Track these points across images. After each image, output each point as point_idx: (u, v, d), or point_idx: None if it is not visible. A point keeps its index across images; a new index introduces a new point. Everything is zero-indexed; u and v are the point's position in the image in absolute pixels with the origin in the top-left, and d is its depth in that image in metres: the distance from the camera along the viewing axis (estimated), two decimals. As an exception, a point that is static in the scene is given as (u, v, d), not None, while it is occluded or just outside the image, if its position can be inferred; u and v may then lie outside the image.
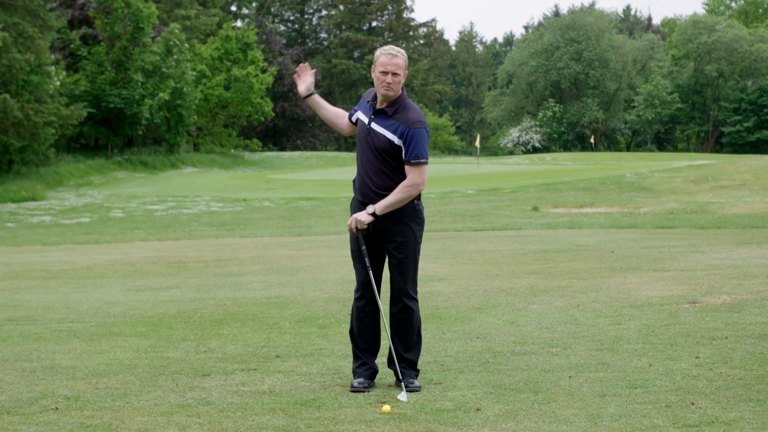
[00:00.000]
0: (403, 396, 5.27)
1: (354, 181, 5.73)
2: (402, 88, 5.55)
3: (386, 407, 4.98)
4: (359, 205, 5.65)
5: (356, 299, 5.69)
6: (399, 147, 5.49)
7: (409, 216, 5.57)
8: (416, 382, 5.51)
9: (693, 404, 4.96)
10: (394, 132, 5.48)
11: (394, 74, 5.45)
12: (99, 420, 4.91)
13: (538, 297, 9.11)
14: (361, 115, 5.67)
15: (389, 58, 5.46)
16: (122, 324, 8.12)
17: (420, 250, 5.68)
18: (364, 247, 5.55)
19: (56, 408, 5.17)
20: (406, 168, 5.48)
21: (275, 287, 10.52)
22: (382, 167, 5.54)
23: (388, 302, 5.77)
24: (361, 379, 5.56)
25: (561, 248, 14.19)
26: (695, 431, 4.53)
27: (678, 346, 6.48)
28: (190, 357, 6.58)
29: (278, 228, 21.68)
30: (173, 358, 6.53)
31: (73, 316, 8.69)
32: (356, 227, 5.51)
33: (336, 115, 5.90)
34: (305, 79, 5.86)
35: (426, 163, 5.50)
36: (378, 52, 5.53)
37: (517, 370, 5.91)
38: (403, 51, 5.54)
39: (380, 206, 5.47)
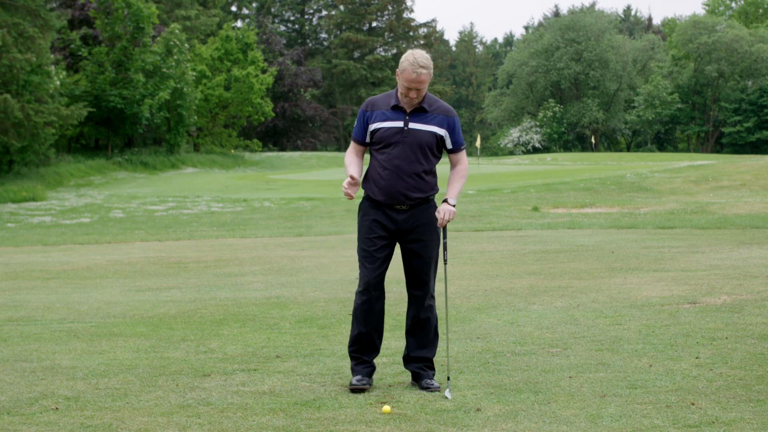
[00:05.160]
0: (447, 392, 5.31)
1: (370, 184, 5.59)
2: None
3: (386, 407, 4.98)
4: (379, 208, 5.56)
5: (363, 300, 5.58)
6: (442, 138, 5.58)
7: (434, 214, 5.59)
8: (435, 383, 5.50)
9: (693, 404, 4.96)
10: (439, 125, 5.55)
11: (419, 90, 5.45)
12: (99, 420, 4.91)
13: (539, 297, 9.11)
14: (383, 124, 5.54)
15: (415, 76, 5.38)
16: (122, 324, 8.12)
17: None
18: (446, 240, 5.61)
19: (56, 408, 5.16)
20: (455, 156, 5.69)
21: (275, 287, 10.52)
22: (417, 167, 5.52)
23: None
24: (359, 377, 5.51)
25: (561, 248, 14.20)
26: (695, 431, 4.53)
27: (678, 347, 6.48)
28: (190, 357, 6.58)
29: (278, 228, 21.67)
30: (173, 359, 6.53)
31: (73, 316, 8.69)
32: (448, 219, 5.53)
33: (360, 161, 5.71)
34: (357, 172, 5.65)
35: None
36: (405, 62, 5.41)
37: (517, 370, 5.91)
38: (429, 58, 5.45)
39: (454, 195, 5.61)
